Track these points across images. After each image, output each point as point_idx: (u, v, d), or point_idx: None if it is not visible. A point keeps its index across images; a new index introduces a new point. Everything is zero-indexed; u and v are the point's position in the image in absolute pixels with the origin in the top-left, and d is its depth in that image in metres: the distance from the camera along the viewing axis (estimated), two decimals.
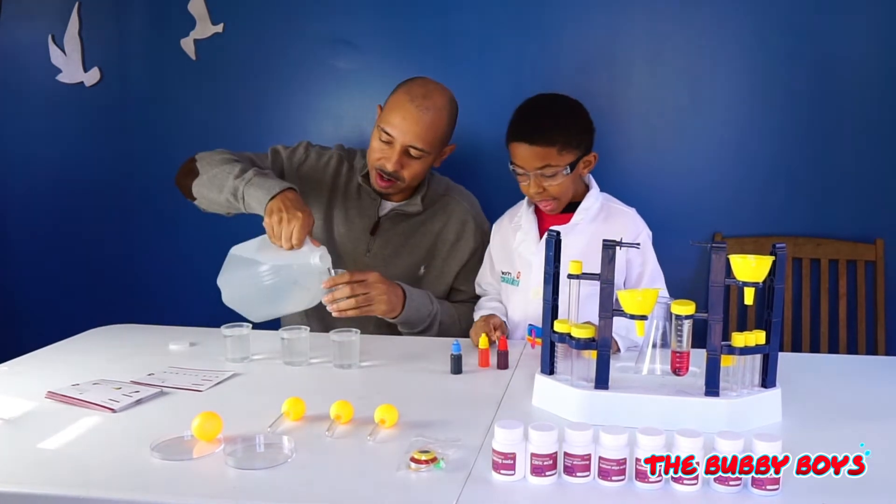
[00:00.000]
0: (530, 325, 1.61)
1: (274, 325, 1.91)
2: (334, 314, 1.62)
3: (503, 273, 1.81)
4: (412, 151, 1.76)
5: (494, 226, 1.88)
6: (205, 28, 2.36)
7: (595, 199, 1.74)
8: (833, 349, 2.20)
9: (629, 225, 1.74)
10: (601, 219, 1.74)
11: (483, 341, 1.52)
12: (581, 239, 1.69)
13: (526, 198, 1.79)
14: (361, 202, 1.89)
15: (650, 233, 1.77)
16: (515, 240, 1.78)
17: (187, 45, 2.38)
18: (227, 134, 2.42)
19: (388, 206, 1.89)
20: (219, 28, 2.35)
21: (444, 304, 1.86)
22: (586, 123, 1.71)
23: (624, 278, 1.71)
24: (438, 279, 1.90)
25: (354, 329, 1.52)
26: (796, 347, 2.20)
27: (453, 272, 1.90)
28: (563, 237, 1.58)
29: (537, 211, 1.78)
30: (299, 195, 1.64)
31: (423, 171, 1.82)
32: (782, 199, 2.21)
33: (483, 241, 1.92)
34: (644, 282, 1.70)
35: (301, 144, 1.94)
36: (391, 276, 1.77)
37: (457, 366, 1.46)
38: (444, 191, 1.95)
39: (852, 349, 2.19)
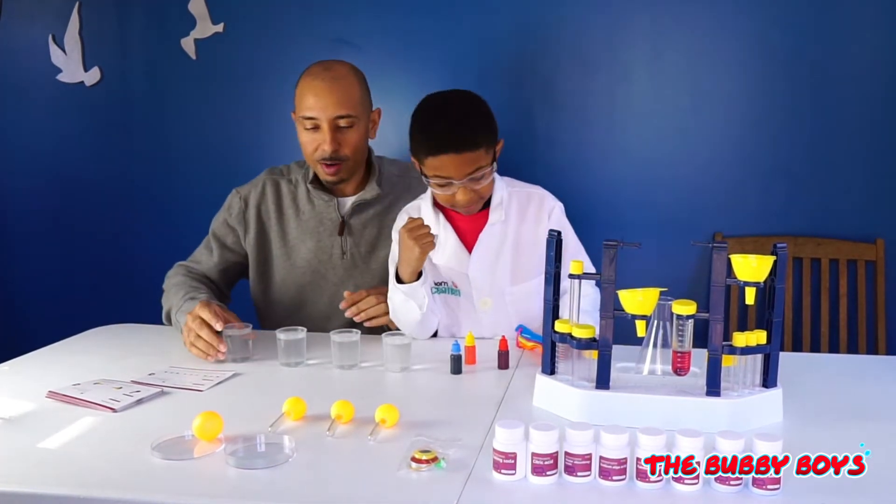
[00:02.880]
0: (519, 324, 1.61)
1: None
2: (365, 324, 1.67)
3: (435, 284, 1.69)
4: (340, 122, 1.74)
5: (396, 232, 1.67)
6: (205, 28, 2.36)
7: (502, 190, 1.67)
8: (833, 349, 2.20)
9: (545, 204, 1.70)
10: (515, 209, 1.68)
11: (469, 338, 1.51)
12: (506, 236, 1.66)
13: (429, 202, 1.69)
14: (316, 209, 1.84)
15: (562, 206, 1.71)
16: (435, 252, 1.67)
17: (187, 45, 2.38)
18: (228, 134, 2.42)
19: (348, 201, 1.84)
20: (219, 28, 2.35)
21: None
22: (490, 112, 1.64)
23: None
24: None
25: (355, 330, 1.52)
26: (797, 347, 2.20)
27: None
28: (486, 239, 1.60)
29: (446, 215, 1.69)
30: (204, 306, 1.58)
31: (361, 142, 1.79)
32: (782, 199, 2.21)
33: None
34: (568, 254, 1.55)
35: (230, 196, 1.90)
36: (373, 272, 1.76)
37: (457, 366, 1.46)
38: (402, 172, 1.90)
39: (852, 349, 2.19)
